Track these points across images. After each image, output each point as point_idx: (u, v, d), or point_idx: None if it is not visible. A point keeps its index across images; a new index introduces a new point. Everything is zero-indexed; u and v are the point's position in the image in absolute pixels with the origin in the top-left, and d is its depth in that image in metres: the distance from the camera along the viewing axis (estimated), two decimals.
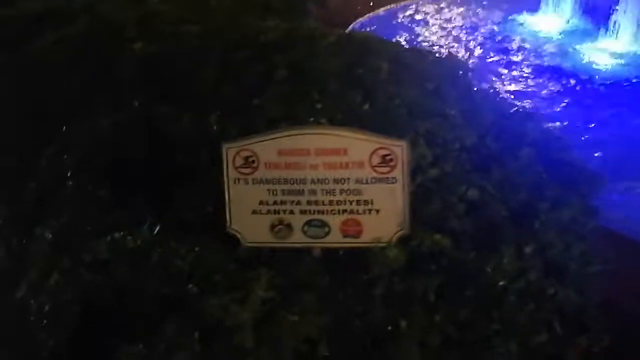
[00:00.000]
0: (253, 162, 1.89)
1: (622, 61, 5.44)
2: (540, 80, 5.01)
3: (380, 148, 1.85)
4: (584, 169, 2.32)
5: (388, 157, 1.85)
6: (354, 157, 1.86)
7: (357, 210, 1.90)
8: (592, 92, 4.86)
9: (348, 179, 1.87)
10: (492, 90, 2.69)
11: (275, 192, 1.90)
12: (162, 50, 2.42)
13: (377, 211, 1.89)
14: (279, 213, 1.92)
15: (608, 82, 4.96)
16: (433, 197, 2.09)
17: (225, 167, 1.90)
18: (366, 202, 1.89)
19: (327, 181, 1.88)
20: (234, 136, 2.03)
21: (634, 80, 5.05)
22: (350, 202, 1.89)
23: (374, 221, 1.90)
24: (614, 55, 5.54)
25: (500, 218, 2.05)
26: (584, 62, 5.42)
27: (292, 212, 1.91)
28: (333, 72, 2.16)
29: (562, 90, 4.88)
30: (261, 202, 1.91)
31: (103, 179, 2.14)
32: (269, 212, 1.92)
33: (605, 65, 5.36)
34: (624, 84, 5.00)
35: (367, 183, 1.87)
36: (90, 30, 2.71)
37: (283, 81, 2.15)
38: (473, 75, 2.52)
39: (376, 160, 1.85)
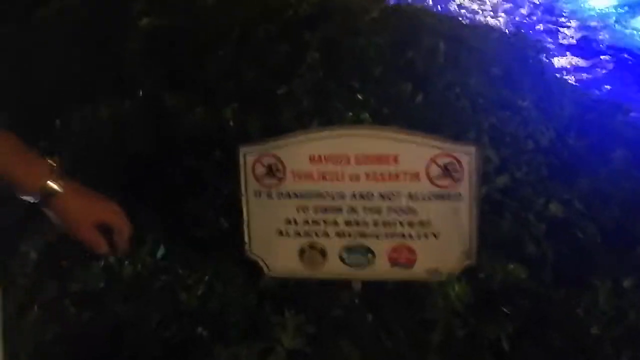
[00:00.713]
0: (278, 170, 1.49)
1: None
2: (595, 59, 4.45)
3: (442, 155, 1.42)
4: None
5: (451, 167, 1.43)
6: (407, 166, 1.44)
7: (410, 234, 1.49)
8: None
9: (399, 193, 1.46)
10: (565, 75, 2.22)
11: (306, 210, 1.50)
12: (171, 26, 2.02)
13: (436, 235, 1.48)
14: (310, 236, 1.52)
15: None
16: (503, 213, 1.68)
17: (243, 177, 1.50)
18: (422, 224, 1.48)
19: (371, 196, 1.47)
20: (255, 136, 1.64)
21: None
22: (402, 224, 1.48)
23: (431, 248, 1.48)
24: None
25: (591, 241, 1.62)
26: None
27: (326, 234, 1.51)
28: (377, 55, 1.74)
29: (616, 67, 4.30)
30: (288, 222, 1.52)
31: (97, 185, 1.77)
32: (297, 234, 1.52)
33: None
34: None
35: (423, 200, 1.45)
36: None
37: (315, 65, 1.73)
38: (547, 56, 2.06)
39: (436, 170, 1.43)
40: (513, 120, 1.84)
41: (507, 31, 2.13)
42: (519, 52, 2.02)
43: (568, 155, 1.83)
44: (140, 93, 1.81)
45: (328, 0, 2.06)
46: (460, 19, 2.19)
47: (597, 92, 2.20)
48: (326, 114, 1.63)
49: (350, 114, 1.62)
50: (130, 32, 2.07)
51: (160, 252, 1.58)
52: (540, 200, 1.69)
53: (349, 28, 1.80)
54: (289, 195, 1.50)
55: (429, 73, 1.73)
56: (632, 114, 2.07)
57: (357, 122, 1.63)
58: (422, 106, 1.67)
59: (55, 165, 1.12)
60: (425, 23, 1.89)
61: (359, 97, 1.65)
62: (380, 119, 1.64)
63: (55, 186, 1.11)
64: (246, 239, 1.54)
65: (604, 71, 3.31)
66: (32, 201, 1.12)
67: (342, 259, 1.53)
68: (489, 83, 1.86)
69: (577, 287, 1.54)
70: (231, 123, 1.67)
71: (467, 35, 1.94)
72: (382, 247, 1.51)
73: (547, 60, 2.06)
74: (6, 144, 1.06)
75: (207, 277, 1.51)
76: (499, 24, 3.03)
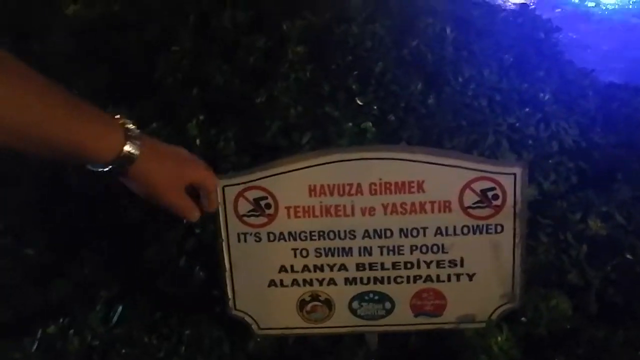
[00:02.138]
0: (268, 206, 1.15)
1: None
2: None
3: (479, 179, 1.12)
4: None
5: (491, 193, 1.13)
6: (436, 194, 1.13)
7: (439, 277, 1.19)
8: None
9: (425, 229, 1.15)
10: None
11: (305, 253, 1.18)
12: (108, 16, 1.62)
13: (471, 276, 1.19)
14: (311, 284, 1.20)
15: None
16: (537, 235, 1.40)
17: (222, 216, 1.16)
18: (453, 264, 1.18)
19: (390, 233, 1.16)
20: (230, 159, 1.29)
21: None
22: (428, 264, 1.18)
23: (464, 292, 1.19)
24: None
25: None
26: None
27: (333, 281, 1.20)
28: (375, 46, 1.40)
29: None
30: (283, 269, 1.19)
31: (30, 227, 1.38)
32: (295, 283, 1.20)
33: None
34: None
35: (455, 234, 1.15)
36: None
37: (299, 62, 1.39)
38: (559, 37, 1.78)
39: (471, 198, 1.13)
40: (533, 117, 1.57)
41: (512, 8, 1.83)
42: (529, 33, 1.73)
43: (598, 156, 1.58)
44: None
45: None
46: None
47: (617, 75, 1.94)
48: (320, 125, 1.30)
49: (350, 124, 1.29)
50: (56, 23, 1.66)
51: (117, 316, 1.23)
52: (577, 216, 1.44)
53: (338, 13, 1.45)
54: (283, 237, 1.17)
55: (439, 66, 1.41)
56: None
57: (359, 133, 1.30)
58: (435, 109, 1.36)
59: (129, 124, 0.91)
60: (426, 3, 1.56)
61: (359, 101, 1.32)
62: (387, 129, 1.32)
63: (133, 150, 0.91)
64: (229, 293, 1.20)
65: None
66: (104, 170, 0.90)
67: (353, 311, 1.22)
68: (504, 74, 1.57)
69: (629, 321, 1.30)
70: (198, 142, 1.31)
71: (473, 16, 1.63)
72: (403, 294, 1.20)
73: (560, 42, 1.78)
74: (64, 105, 0.82)
75: (182, 347, 1.17)
76: None
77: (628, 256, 1.38)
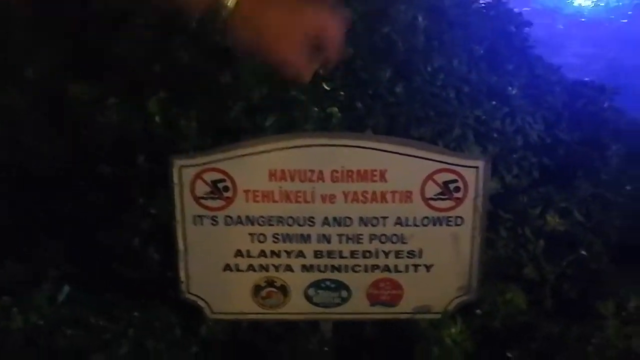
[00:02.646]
0: (226, 189, 1.12)
1: None
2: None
3: (442, 170, 1.11)
4: None
5: (453, 185, 1.12)
6: (397, 183, 1.12)
7: (397, 267, 1.18)
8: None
9: (385, 218, 1.14)
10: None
11: (262, 238, 1.15)
12: None
13: (429, 268, 1.18)
14: (267, 270, 1.18)
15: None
16: (497, 229, 1.41)
17: (178, 197, 1.12)
18: (412, 254, 1.17)
19: (349, 222, 1.14)
20: (192, 139, 1.25)
21: None
22: (386, 254, 1.17)
23: (421, 283, 1.18)
24: None
25: (596, 260, 1.39)
26: None
27: (289, 268, 1.18)
28: (347, 31, 1.37)
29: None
30: (239, 254, 1.16)
31: None
32: (251, 268, 1.18)
33: None
34: None
35: (415, 225, 1.14)
36: None
37: None
38: (529, 31, 1.78)
39: (433, 189, 1.12)
40: (500, 111, 1.56)
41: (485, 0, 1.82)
42: (500, 26, 1.73)
43: (562, 152, 1.59)
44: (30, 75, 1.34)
45: None
46: None
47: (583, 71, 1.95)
48: (284, 108, 1.26)
49: (316, 108, 1.27)
50: None
51: (64, 295, 1.19)
52: (536, 210, 1.44)
53: None
54: (240, 221, 1.14)
55: (410, 55, 1.39)
56: (614, 98, 1.86)
57: (325, 118, 1.28)
58: (403, 97, 1.34)
59: None
60: None
61: (325, 86, 1.29)
62: (353, 115, 1.30)
63: None
64: (182, 276, 1.17)
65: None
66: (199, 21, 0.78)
67: (308, 298, 1.21)
68: (473, 66, 1.56)
69: (583, 317, 1.32)
70: (157, 119, 1.26)
71: (445, 5, 1.60)
72: (360, 283, 1.19)
73: (530, 36, 1.78)
74: None
75: (131, 330, 1.14)
76: None
77: (584, 253, 1.40)
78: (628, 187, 1.57)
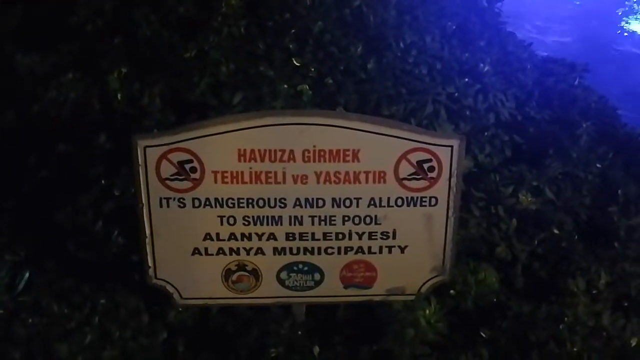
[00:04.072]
0: (194, 170, 1.08)
1: None
2: None
3: (416, 150, 1.08)
4: None
5: (427, 165, 1.10)
6: (371, 163, 1.08)
7: (370, 248, 1.15)
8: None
9: (358, 199, 1.11)
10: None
11: (232, 221, 1.11)
12: None
13: (403, 249, 1.16)
14: (238, 253, 1.14)
15: None
16: (470, 208, 1.39)
17: (143, 179, 1.07)
18: (385, 236, 1.15)
19: (322, 202, 1.11)
20: (156, 117, 1.19)
21: None
22: (360, 236, 1.14)
23: (395, 264, 1.17)
24: None
25: (567, 237, 1.39)
26: None
27: (260, 251, 1.14)
28: (316, 4, 1.32)
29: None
30: (208, 237, 1.12)
31: None
32: (221, 252, 1.14)
33: None
34: None
35: (389, 206, 1.12)
36: None
37: (234, 17, 1.29)
38: (501, 8, 1.75)
39: (407, 169, 1.09)
40: (472, 88, 1.54)
41: None
42: (473, 1, 1.70)
43: (533, 130, 1.58)
44: None
45: None
46: None
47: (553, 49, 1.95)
48: (253, 85, 1.22)
49: (285, 85, 1.22)
50: None
51: (23, 282, 1.13)
52: (509, 190, 1.44)
53: None
54: (209, 203, 1.10)
55: (382, 30, 1.35)
56: (589, 74, 1.85)
57: (295, 96, 1.23)
58: (375, 74, 1.31)
59: None
60: None
61: (296, 62, 1.25)
62: (324, 92, 1.26)
63: None
64: (149, 261, 1.13)
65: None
66: None
67: (280, 281, 1.18)
68: (445, 42, 1.53)
69: (554, 295, 1.32)
70: (119, 96, 1.20)
71: None
72: (333, 265, 1.17)
73: (501, 11, 1.75)
74: None
75: (96, 318, 1.09)
76: None
77: (555, 231, 1.40)
78: (598, 165, 1.58)
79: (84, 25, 1.27)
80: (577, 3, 4.28)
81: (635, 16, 4.35)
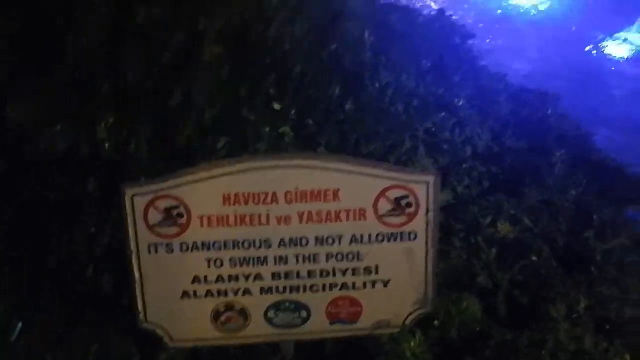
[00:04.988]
0: (180, 215, 1.11)
1: None
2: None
3: (393, 187, 1.13)
4: (626, 173, 1.75)
5: (405, 201, 1.14)
6: (351, 202, 1.13)
7: (354, 284, 1.19)
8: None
9: (340, 237, 1.15)
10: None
11: (219, 263, 1.15)
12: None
13: (386, 283, 1.20)
14: (226, 294, 1.17)
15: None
16: (450, 239, 1.44)
17: (131, 226, 1.11)
18: (368, 271, 1.18)
19: (305, 241, 1.15)
20: (142, 164, 1.24)
21: None
22: (343, 272, 1.18)
23: (379, 298, 1.20)
24: None
25: (545, 264, 1.43)
26: None
27: (248, 291, 1.17)
28: (294, 48, 1.38)
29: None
30: (196, 280, 1.15)
31: None
32: (209, 294, 1.17)
33: None
34: None
35: (370, 242, 1.16)
36: None
37: (217, 63, 1.34)
38: (473, 42, 1.83)
39: (385, 206, 1.14)
40: (449, 122, 1.60)
41: (430, 13, 1.85)
42: (446, 38, 1.77)
43: (509, 160, 1.63)
44: None
45: None
46: None
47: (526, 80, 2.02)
48: (236, 129, 1.26)
49: (267, 128, 1.27)
50: None
51: (16, 331, 1.15)
52: (487, 219, 1.48)
53: (256, 13, 1.42)
54: (196, 247, 1.13)
55: (358, 71, 1.41)
56: (560, 105, 1.93)
57: (277, 138, 1.28)
58: (353, 114, 1.36)
59: None
60: (345, 6, 1.55)
61: (276, 106, 1.30)
62: (305, 133, 1.31)
63: None
64: (140, 305, 1.15)
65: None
66: None
67: (268, 320, 1.20)
68: (421, 79, 1.59)
69: (535, 321, 1.36)
70: (107, 145, 1.24)
71: (392, 20, 1.64)
72: (319, 302, 1.20)
73: (475, 47, 1.83)
74: None
75: None
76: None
77: (534, 258, 1.45)
78: (573, 192, 1.64)
79: (72, 75, 1.32)
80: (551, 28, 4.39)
81: (612, 39, 4.47)
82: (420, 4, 2.59)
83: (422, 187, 1.14)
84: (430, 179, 1.14)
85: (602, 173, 1.68)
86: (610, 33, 4.50)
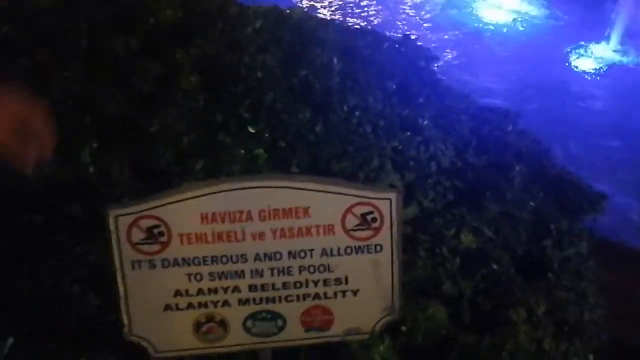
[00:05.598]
0: (161, 234, 1.19)
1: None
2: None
3: (359, 204, 1.23)
4: (581, 185, 1.87)
5: (370, 217, 1.24)
6: (320, 218, 1.22)
7: (326, 294, 1.28)
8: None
9: (311, 250, 1.24)
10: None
11: (199, 277, 1.23)
12: None
13: (355, 292, 1.29)
14: (206, 306, 1.25)
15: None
16: (417, 250, 1.54)
17: (116, 245, 1.19)
18: (338, 282, 1.27)
19: (279, 256, 1.24)
20: (125, 186, 1.32)
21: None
22: (315, 283, 1.26)
23: (349, 307, 1.29)
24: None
25: (506, 272, 1.54)
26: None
27: (227, 303, 1.25)
28: (266, 76, 1.48)
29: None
30: (178, 293, 1.23)
31: None
32: (191, 306, 1.25)
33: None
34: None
35: (339, 255, 1.25)
36: None
37: (194, 91, 1.44)
38: (436, 65, 1.94)
39: (353, 221, 1.23)
40: (414, 141, 1.71)
41: (396, 38, 1.97)
42: (411, 62, 1.89)
43: (471, 175, 1.74)
44: None
45: (197, 4, 1.75)
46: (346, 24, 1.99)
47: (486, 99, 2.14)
48: (212, 152, 1.35)
49: (242, 151, 1.36)
50: None
51: (7, 347, 1.22)
52: (451, 231, 1.58)
53: (229, 43, 1.52)
54: (177, 263, 1.22)
55: (326, 95, 1.52)
56: (518, 122, 2.05)
57: (251, 160, 1.37)
58: (322, 136, 1.46)
59: None
60: (314, 34, 1.66)
61: (250, 129, 1.39)
62: (278, 155, 1.40)
63: None
64: (125, 319, 1.23)
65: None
66: None
67: (247, 329, 1.29)
68: (387, 101, 1.70)
69: (497, 325, 1.46)
70: (91, 169, 1.32)
71: (359, 46, 1.75)
72: (293, 311, 1.29)
73: (437, 69, 1.94)
74: None
75: None
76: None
77: (495, 267, 1.55)
78: (532, 203, 1.75)
79: (56, 106, 1.40)
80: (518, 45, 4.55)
81: (581, 53, 4.64)
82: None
83: (386, 203, 1.24)
84: (393, 195, 1.24)
85: (558, 186, 1.79)
86: (579, 48, 4.70)
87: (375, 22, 4.12)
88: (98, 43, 1.58)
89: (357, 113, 1.56)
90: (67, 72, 1.52)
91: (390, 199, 1.23)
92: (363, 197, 1.22)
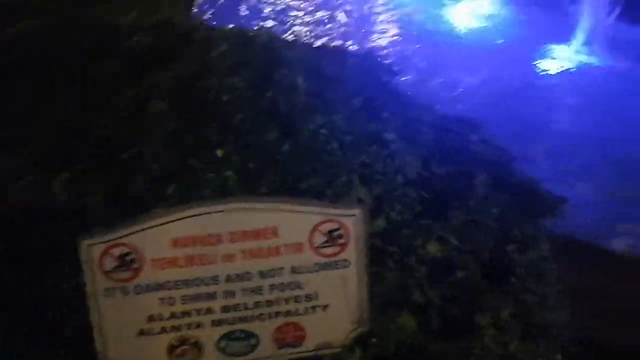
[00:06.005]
0: (133, 261, 1.22)
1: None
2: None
3: (325, 222, 1.27)
4: (542, 190, 1.94)
5: (336, 233, 1.28)
6: (288, 237, 1.26)
7: (297, 310, 1.32)
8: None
9: (281, 269, 1.28)
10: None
11: (172, 301, 1.26)
12: None
13: (324, 307, 1.33)
14: (180, 329, 1.29)
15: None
16: (386, 262, 1.58)
17: (89, 274, 1.21)
18: (308, 298, 1.32)
19: (250, 276, 1.27)
20: (96, 214, 1.34)
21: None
22: (286, 301, 1.31)
23: (320, 322, 1.33)
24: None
25: (472, 278, 1.59)
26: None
27: (200, 325, 1.29)
28: (233, 98, 1.52)
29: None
30: (151, 318, 1.27)
31: None
32: (164, 330, 1.28)
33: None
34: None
35: (308, 272, 1.29)
36: None
37: (164, 118, 1.47)
38: (400, 79, 2.00)
39: (319, 238, 1.28)
40: (381, 155, 1.76)
41: (358, 54, 2.02)
42: (375, 77, 1.94)
43: (437, 185, 1.80)
44: None
45: (166, 26, 1.78)
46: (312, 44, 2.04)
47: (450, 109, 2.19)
48: (183, 176, 1.38)
49: (212, 174, 1.39)
50: None
51: None
52: (419, 241, 1.64)
53: (197, 66, 1.55)
54: (150, 288, 1.25)
55: (293, 115, 1.56)
56: (484, 132, 2.11)
57: (222, 182, 1.41)
58: (290, 155, 1.50)
59: None
60: (279, 54, 1.70)
61: (218, 153, 1.43)
62: (247, 176, 1.44)
63: None
64: (99, 346, 1.25)
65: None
66: None
67: (221, 349, 1.32)
68: (353, 117, 1.74)
69: (465, 331, 1.51)
70: (62, 197, 1.35)
71: (323, 64, 1.79)
72: (266, 329, 1.32)
73: (401, 83, 2.00)
74: None
75: None
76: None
77: (461, 274, 1.60)
78: (494, 211, 1.81)
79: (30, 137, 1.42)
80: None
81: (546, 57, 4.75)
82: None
83: (351, 219, 1.29)
84: (357, 211, 1.29)
85: (520, 191, 1.86)
86: (544, 51, 4.81)
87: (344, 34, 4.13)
88: (72, 69, 1.61)
89: (323, 131, 1.60)
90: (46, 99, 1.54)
91: (355, 215, 1.28)
92: (329, 214, 1.27)
